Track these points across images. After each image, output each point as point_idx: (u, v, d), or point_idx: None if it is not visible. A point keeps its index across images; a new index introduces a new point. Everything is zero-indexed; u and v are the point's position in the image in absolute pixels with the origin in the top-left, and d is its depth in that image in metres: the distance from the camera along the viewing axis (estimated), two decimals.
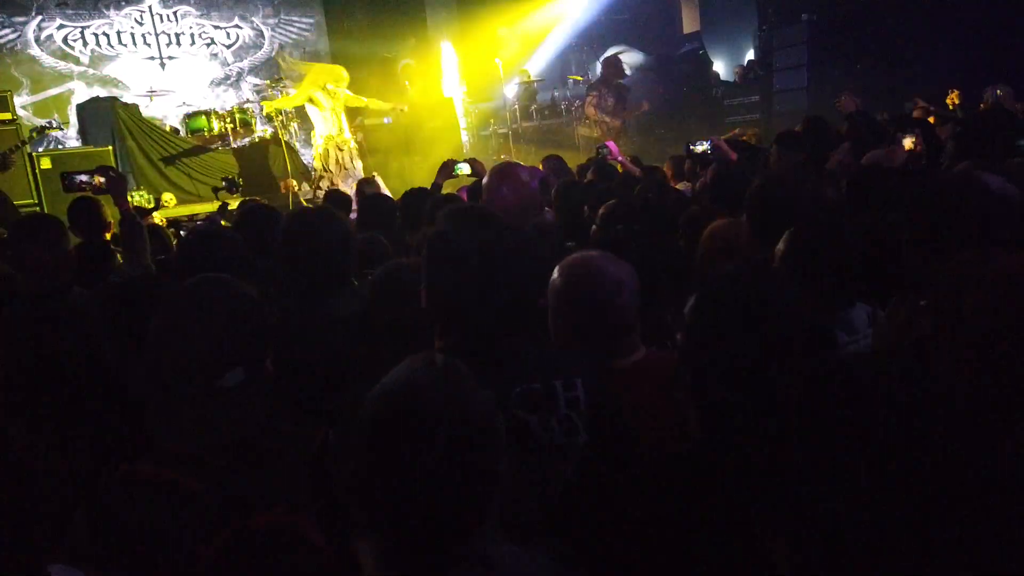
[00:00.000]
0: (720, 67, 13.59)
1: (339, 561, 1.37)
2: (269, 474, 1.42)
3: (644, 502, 1.16)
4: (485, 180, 2.94)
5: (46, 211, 7.22)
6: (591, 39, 13.12)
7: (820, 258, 1.88)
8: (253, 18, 11.31)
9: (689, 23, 14.37)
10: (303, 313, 2.45)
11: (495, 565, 1.09)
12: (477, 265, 1.37)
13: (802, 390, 0.87)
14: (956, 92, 7.12)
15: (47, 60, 9.82)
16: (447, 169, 4.68)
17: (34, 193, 7.50)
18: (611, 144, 5.03)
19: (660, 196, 3.54)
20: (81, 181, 3.40)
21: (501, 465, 1.11)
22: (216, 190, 5.22)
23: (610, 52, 12.97)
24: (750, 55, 13.22)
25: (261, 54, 11.41)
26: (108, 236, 3.67)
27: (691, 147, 4.64)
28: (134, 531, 1.35)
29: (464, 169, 4.68)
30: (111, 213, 3.65)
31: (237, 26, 11.19)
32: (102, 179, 3.29)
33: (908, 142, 3.46)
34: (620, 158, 4.97)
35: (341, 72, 8.34)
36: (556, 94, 11.74)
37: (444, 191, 4.54)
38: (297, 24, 11.67)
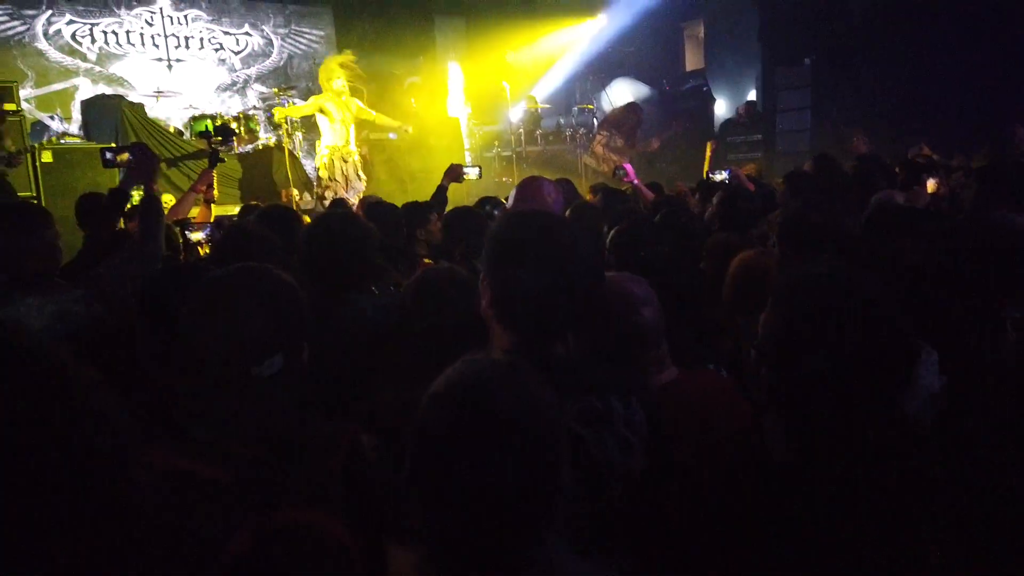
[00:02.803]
0: (722, 105, 13.76)
1: (366, 561, 1.31)
2: (297, 469, 1.37)
3: (722, 522, 1.11)
4: (512, 193, 2.93)
5: (44, 204, 7.13)
6: (597, 69, 13.25)
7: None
8: (264, 27, 11.33)
9: (692, 60, 14.58)
10: (322, 314, 2.42)
11: (559, 572, 1.05)
12: (550, 265, 1.33)
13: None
14: (926, 147, 7.17)
15: (54, 55, 9.77)
16: (454, 172, 4.67)
17: (33, 186, 7.39)
18: (628, 166, 5.05)
19: (687, 220, 3.53)
20: (114, 157, 3.36)
21: (565, 467, 1.07)
22: (208, 136, 4.90)
23: (615, 84, 13.15)
24: (752, 95, 13.40)
25: (269, 62, 11.42)
26: (120, 227, 3.59)
27: (710, 176, 4.67)
28: (155, 521, 1.29)
29: (472, 174, 4.67)
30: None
31: (247, 33, 11.21)
32: (128, 156, 3.23)
33: (932, 184, 3.48)
34: (636, 181, 4.98)
35: (349, 54, 8.33)
36: (562, 121, 11.80)
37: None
38: (307, 36, 11.70)
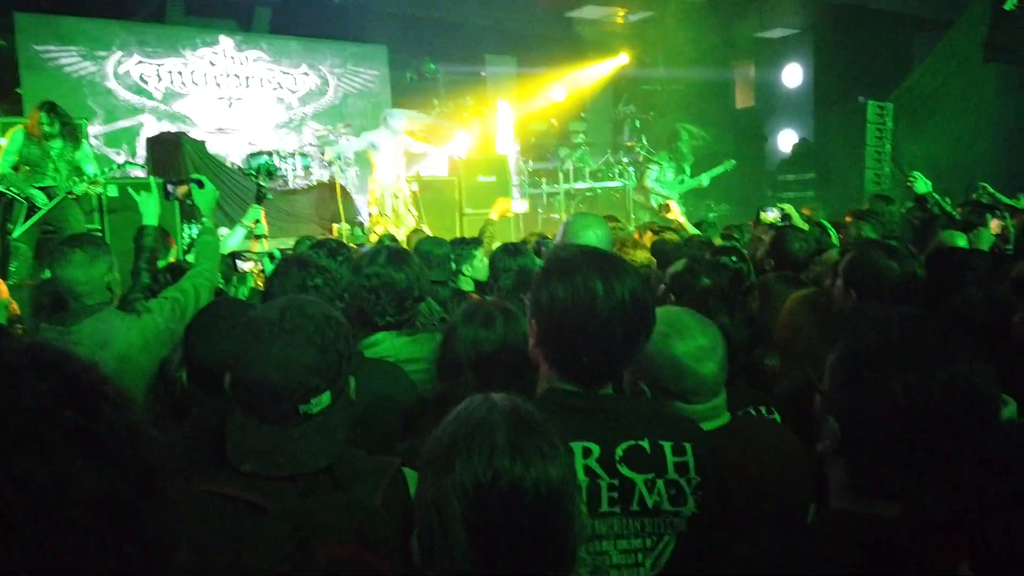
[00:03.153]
0: (773, 143, 13.63)
1: None
2: (342, 503, 1.35)
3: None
4: (560, 229, 2.92)
5: (108, 236, 7.40)
6: (647, 107, 13.28)
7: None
8: (321, 66, 11.69)
9: (743, 98, 14.52)
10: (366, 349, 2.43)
11: None
12: (598, 302, 1.31)
13: None
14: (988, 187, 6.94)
15: (122, 93, 10.23)
16: (501, 207, 4.72)
17: (98, 219, 7.68)
18: (673, 204, 5.02)
19: (737, 260, 3.47)
20: (174, 190, 3.50)
21: (580, 507, 1.05)
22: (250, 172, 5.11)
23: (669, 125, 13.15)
24: (805, 133, 13.25)
25: (325, 101, 11.75)
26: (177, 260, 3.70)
27: (761, 214, 4.61)
28: (195, 544, 1.28)
29: (520, 207, 4.71)
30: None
31: (305, 73, 11.58)
32: (187, 189, 3.36)
33: (995, 225, 3.36)
34: (681, 219, 4.95)
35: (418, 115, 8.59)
36: (611, 158, 11.83)
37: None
38: (363, 75, 12.03)
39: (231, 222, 8.78)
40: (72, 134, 6.19)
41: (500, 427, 1.01)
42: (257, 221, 4.49)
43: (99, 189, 6.45)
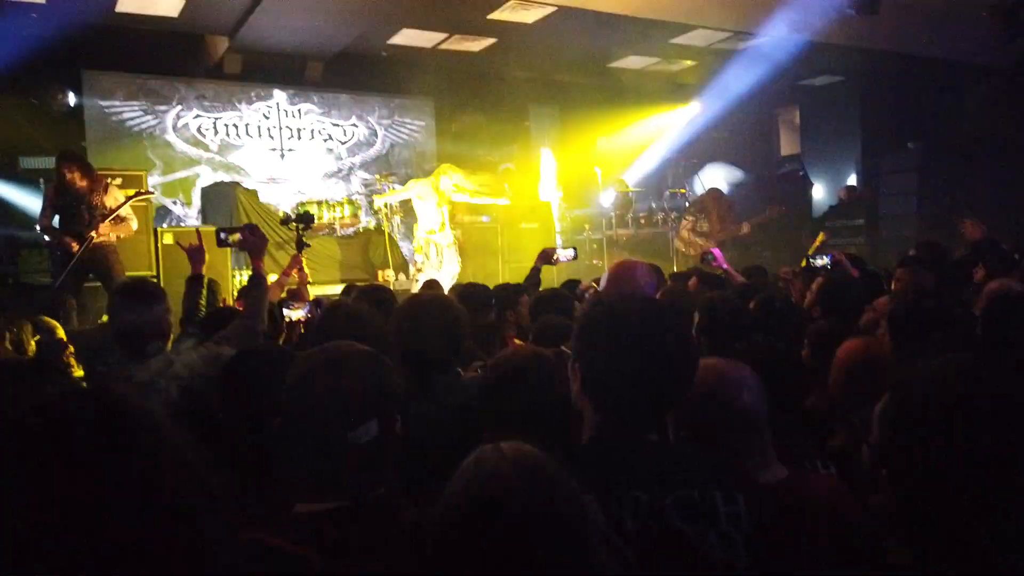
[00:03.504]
0: (820, 189, 13.47)
1: None
2: (384, 541, 1.36)
3: None
4: (603, 276, 2.91)
5: (162, 283, 7.63)
6: (689, 154, 13.29)
7: None
8: (369, 118, 12.03)
9: (788, 145, 14.43)
10: (410, 394, 2.43)
11: None
12: (643, 348, 1.29)
13: None
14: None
15: (180, 146, 10.65)
16: (546, 255, 4.71)
17: (154, 266, 7.94)
18: (716, 251, 4.97)
19: (782, 307, 3.40)
20: (227, 237, 3.61)
21: (599, 555, 1.03)
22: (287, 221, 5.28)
23: (708, 169, 13.13)
24: (852, 179, 13.06)
25: (372, 151, 12.06)
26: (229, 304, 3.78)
27: (811, 260, 4.53)
28: None
29: (567, 255, 4.69)
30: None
31: (354, 124, 11.92)
32: (239, 236, 3.46)
33: None
34: (725, 265, 4.89)
35: (450, 167, 8.74)
36: (653, 205, 11.82)
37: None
38: (409, 126, 12.33)
39: (278, 267, 8.98)
40: (94, 179, 6.39)
41: (511, 478, 1.02)
42: (299, 269, 4.57)
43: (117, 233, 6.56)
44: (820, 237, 6.18)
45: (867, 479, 1.14)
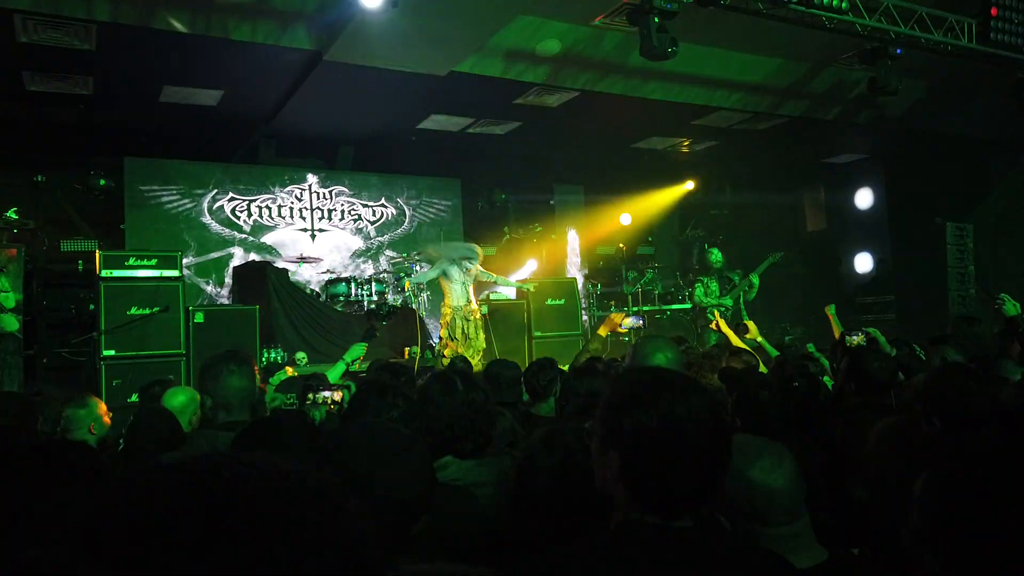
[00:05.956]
0: (849, 265, 13.38)
1: None
2: None
3: None
4: (629, 351, 2.89)
5: (192, 360, 7.72)
6: (713, 230, 13.37)
7: None
8: (398, 199, 12.32)
9: (814, 221, 14.43)
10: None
11: None
12: (688, 426, 1.27)
13: None
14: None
15: (215, 227, 10.96)
16: (611, 323, 4.61)
17: (184, 344, 8.03)
18: (717, 313, 4.92)
19: (810, 385, 3.34)
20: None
21: None
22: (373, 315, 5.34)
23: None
24: (881, 255, 12.97)
25: (400, 230, 12.29)
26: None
27: (847, 338, 4.45)
28: None
29: (633, 322, 4.57)
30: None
31: (383, 205, 12.21)
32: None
33: None
34: (725, 327, 4.83)
35: (476, 249, 8.83)
36: (679, 280, 11.83)
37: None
38: (436, 206, 12.59)
39: (307, 347, 9.06)
40: None
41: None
42: (359, 359, 4.53)
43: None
44: (831, 312, 6.09)
45: (908, 562, 1.09)
